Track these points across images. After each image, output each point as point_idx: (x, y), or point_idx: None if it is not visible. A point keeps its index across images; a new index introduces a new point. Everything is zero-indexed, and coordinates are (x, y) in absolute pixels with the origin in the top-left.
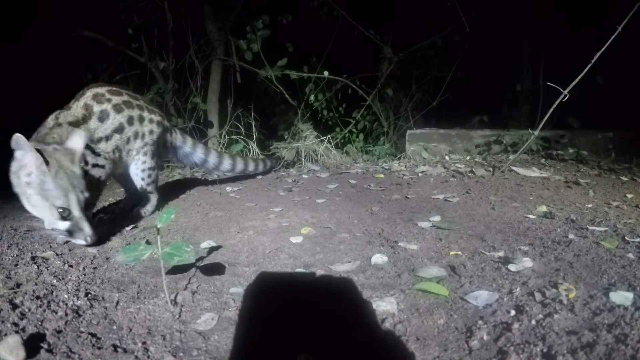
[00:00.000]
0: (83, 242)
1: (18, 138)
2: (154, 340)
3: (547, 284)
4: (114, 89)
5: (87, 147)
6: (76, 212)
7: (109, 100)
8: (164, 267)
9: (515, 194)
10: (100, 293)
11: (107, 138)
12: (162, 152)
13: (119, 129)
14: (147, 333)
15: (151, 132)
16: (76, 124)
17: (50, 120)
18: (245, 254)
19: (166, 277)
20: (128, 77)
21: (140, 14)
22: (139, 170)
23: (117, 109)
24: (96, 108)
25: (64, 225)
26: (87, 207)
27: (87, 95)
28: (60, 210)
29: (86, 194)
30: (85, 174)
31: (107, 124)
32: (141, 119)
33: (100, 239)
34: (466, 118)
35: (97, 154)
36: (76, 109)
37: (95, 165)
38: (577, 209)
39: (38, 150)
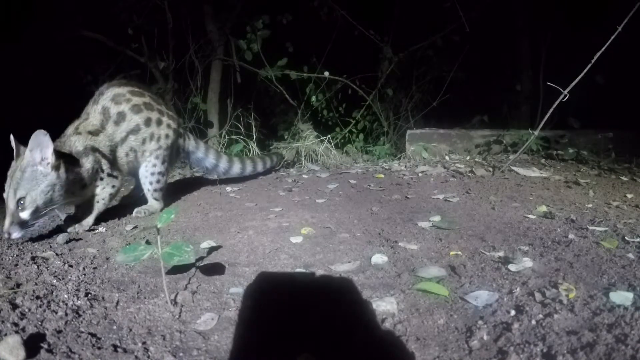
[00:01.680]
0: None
1: (10, 137)
2: (154, 340)
3: (547, 284)
4: (136, 90)
5: (99, 151)
6: (7, 206)
7: (128, 101)
8: (164, 267)
9: (515, 194)
10: (100, 293)
11: (123, 141)
12: (174, 158)
13: (135, 130)
14: (147, 333)
15: (167, 136)
16: (96, 132)
17: (70, 129)
18: (245, 254)
19: (166, 277)
20: (128, 77)
21: (140, 14)
22: (148, 173)
23: (136, 110)
24: (113, 110)
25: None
26: (17, 206)
27: (107, 96)
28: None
29: (20, 193)
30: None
31: (123, 126)
32: (159, 122)
33: (20, 239)
34: (466, 118)
35: (78, 162)
36: (94, 115)
37: (71, 169)
38: (577, 209)
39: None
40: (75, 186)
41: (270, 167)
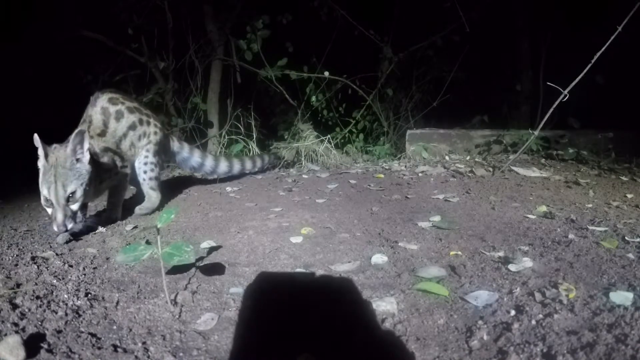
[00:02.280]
0: (55, 230)
1: (34, 136)
2: (154, 340)
3: (547, 284)
4: (126, 95)
5: (110, 150)
6: (55, 203)
7: (122, 103)
8: (164, 267)
9: (515, 194)
10: (100, 293)
11: (125, 136)
12: (164, 156)
13: (132, 127)
14: (147, 333)
15: (155, 133)
16: (102, 133)
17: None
18: (245, 254)
19: (166, 277)
20: (128, 77)
21: (140, 14)
22: (141, 164)
23: (130, 110)
24: (112, 109)
25: (49, 210)
26: (68, 200)
27: (103, 99)
28: (45, 198)
29: (71, 188)
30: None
31: (123, 122)
32: (148, 123)
33: (75, 233)
34: (466, 118)
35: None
36: (96, 116)
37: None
38: (577, 209)
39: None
40: (96, 181)
41: (261, 166)
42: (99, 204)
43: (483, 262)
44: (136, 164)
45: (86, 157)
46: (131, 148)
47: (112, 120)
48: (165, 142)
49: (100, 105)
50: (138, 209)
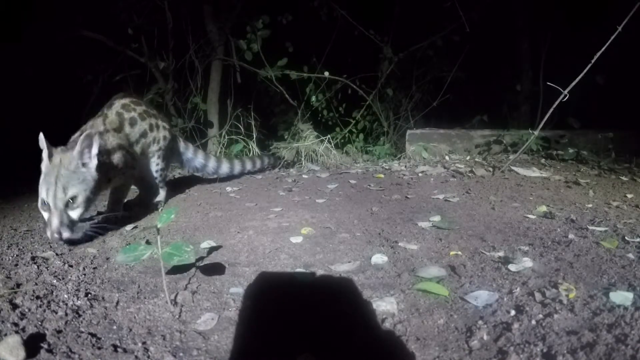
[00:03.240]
0: (48, 236)
1: (39, 136)
2: (154, 340)
3: (547, 284)
4: (135, 99)
5: (124, 148)
6: (52, 207)
7: (134, 110)
8: (164, 267)
9: (515, 194)
10: (100, 293)
11: (137, 142)
12: (171, 157)
13: (144, 134)
14: (147, 333)
15: (164, 138)
16: (118, 129)
17: (101, 126)
18: (245, 254)
19: (166, 277)
20: (128, 77)
21: (140, 14)
22: (153, 171)
23: (142, 117)
24: (126, 115)
25: (45, 215)
26: (67, 205)
27: (117, 105)
28: (42, 201)
29: (72, 191)
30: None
31: (136, 129)
32: (157, 126)
33: (72, 242)
34: (466, 118)
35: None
36: (112, 116)
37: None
38: (577, 209)
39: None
40: (102, 181)
41: (260, 167)
42: (99, 203)
43: (483, 262)
44: (150, 171)
45: (94, 162)
46: (142, 153)
47: (127, 124)
48: (173, 143)
49: (116, 110)
50: (157, 203)
